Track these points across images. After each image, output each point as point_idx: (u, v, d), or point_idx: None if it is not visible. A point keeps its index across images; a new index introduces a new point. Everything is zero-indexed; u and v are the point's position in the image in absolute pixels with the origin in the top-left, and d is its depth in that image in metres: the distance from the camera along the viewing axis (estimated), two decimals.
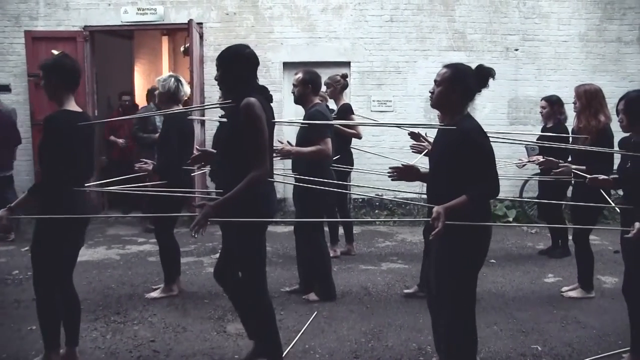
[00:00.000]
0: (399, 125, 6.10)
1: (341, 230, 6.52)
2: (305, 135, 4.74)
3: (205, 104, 7.36)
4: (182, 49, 10.99)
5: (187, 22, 8.11)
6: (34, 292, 3.52)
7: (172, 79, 4.90)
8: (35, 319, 4.34)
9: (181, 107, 5.00)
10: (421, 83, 8.40)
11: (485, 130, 3.06)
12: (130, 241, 7.17)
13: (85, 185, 3.61)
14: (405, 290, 5.11)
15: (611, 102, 8.84)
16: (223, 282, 3.65)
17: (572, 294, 5.05)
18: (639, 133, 3.62)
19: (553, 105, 6.10)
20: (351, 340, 4.12)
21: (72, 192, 3.39)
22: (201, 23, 8.50)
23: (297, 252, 5.11)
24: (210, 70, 8.52)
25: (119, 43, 9.88)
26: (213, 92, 8.52)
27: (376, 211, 8.70)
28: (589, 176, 3.90)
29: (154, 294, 5.00)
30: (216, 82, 3.40)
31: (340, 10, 8.61)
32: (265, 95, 3.35)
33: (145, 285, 5.29)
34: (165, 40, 12.59)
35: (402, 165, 3.37)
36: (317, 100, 4.86)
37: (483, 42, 8.65)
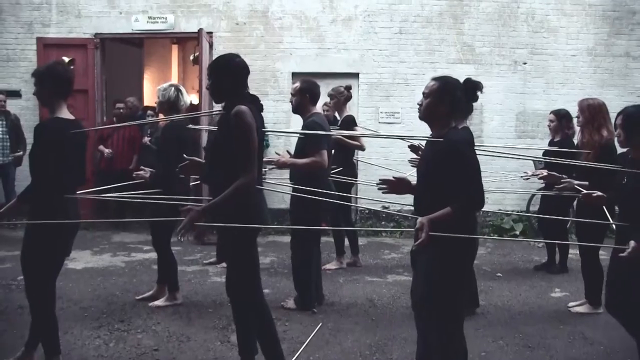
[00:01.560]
0: (386, 136, 6.11)
1: (347, 242, 6.51)
2: (301, 146, 4.78)
3: (201, 112, 7.37)
4: (191, 57, 11.05)
5: (197, 31, 8.16)
6: (27, 299, 3.55)
7: (173, 89, 4.91)
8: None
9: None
10: None
11: (474, 142, 3.05)
12: (135, 249, 7.18)
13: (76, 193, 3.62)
14: None
15: None
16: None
17: (580, 309, 5.01)
18: (636, 149, 3.57)
19: (561, 119, 6.07)
20: (356, 352, 4.10)
21: (63, 199, 3.41)
22: (211, 32, 8.55)
23: (292, 261, 5.06)
24: None
25: (129, 51, 9.96)
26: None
27: (382, 222, 8.68)
28: (584, 191, 3.86)
29: (159, 302, 5.00)
30: (207, 90, 3.45)
31: (350, 22, 8.64)
32: (256, 104, 3.40)
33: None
34: (175, 49, 12.68)
35: (393, 177, 3.36)
36: (315, 110, 4.86)
37: (491, 55, 8.66)
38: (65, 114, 3.51)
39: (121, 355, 3.98)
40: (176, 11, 8.62)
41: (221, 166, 3.28)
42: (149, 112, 8.53)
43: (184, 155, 3.85)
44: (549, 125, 6.26)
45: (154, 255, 6.71)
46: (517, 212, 8.20)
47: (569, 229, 6.88)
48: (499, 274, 6.24)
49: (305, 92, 4.78)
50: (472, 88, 3.17)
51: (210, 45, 8.53)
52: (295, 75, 8.59)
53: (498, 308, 5.13)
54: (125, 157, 8.18)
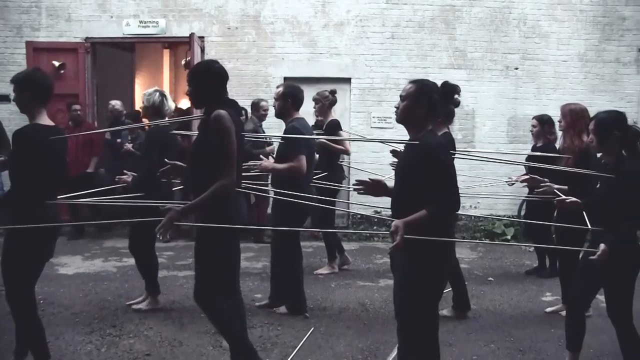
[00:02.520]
0: (364, 139, 6.10)
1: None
2: (282, 151, 4.86)
3: (184, 117, 7.34)
4: (183, 62, 11.04)
5: (188, 35, 8.14)
6: (9, 306, 3.53)
7: (157, 94, 4.93)
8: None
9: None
10: None
11: (454, 147, 3.07)
12: (127, 254, 7.06)
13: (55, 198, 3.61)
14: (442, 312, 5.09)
15: None
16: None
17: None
18: (609, 154, 3.61)
19: (544, 124, 6.10)
20: (348, 357, 4.10)
21: (43, 205, 3.42)
22: (203, 37, 8.54)
23: (271, 266, 5.11)
24: None
25: (121, 55, 9.94)
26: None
27: (374, 227, 8.68)
28: (562, 196, 3.88)
29: (141, 306, 5.02)
30: (187, 96, 3.52)
31: (342, 27, 8.66)
32: (235, 109, 3.48)
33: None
34: (166, 54, 12.66)
35: (370, 179, 3.39)
36: (298, 114, 4.89)
37: (483, 60, 8.70)
38: (44, 120, 3.51)
39: None
40: (168, 15, 8.60)
41: (202, 169, 3.33)
42: (124, 118, 8.28)
43: (166, 160, 3.86)
44: (531, 131, 6.31)
45: None
46: (508, 217, 8.24)
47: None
48: (490, 279, 6.26)
49: (288, 96, 4.82)
50: (449, 91, 3.20)
51: (202, 50, 8.52)
52: (287, 80, 8.59)
53: (489, 312, 5.15)
54: (81, 162, 7.93)
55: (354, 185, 3.40)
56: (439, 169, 2.93)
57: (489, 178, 6.80)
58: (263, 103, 7.46)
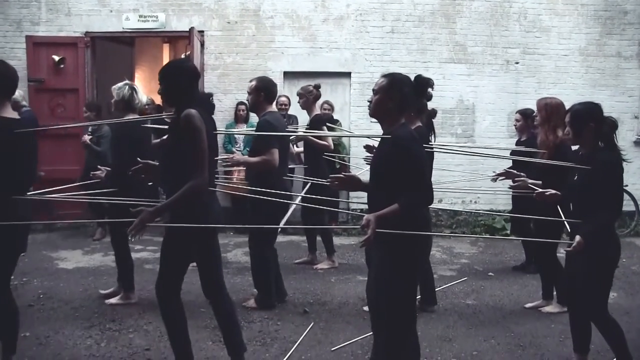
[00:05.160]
0: (339, 135, 6.07)
1: (314, 239, 6.50)
2: (254, 144, 4.88)
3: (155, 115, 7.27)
4: (183, 56, 11.00)
5: (188, 30, 8.12)
6: None
7: (127, 87, 4.93)
8: (28, 327, 4.35)
9: (137, 115, 5.01)
10: None
11: (430, 140, 3.05)
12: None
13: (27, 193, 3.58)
14: None
15: (611, 116, 8.89)
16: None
17: (549, 309, 5.01)
18: (584, 146, 3.61)
19: (527, 118, 6.06)
20: (347, 351, 4.10)
21: (13, 199, 3.37)
22: (202, 31, 8.51)
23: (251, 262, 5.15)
24: (211, 78, 8.54)
25: (120, 49, 9.90)
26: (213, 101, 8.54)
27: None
28: (538, 189, 3.86)
29: (113, 300, 5.04)
30: (158, 94, 3.51)
31: (342, 21, 8.63)
32: (205, 107, 3.49)
33: (141, 293, 5.24)
34: (166, 48, 12.62)
35: (344, 174, 3.41)
36: (271, 108, 4.88)
37: (484, 54, 8.67)
38: (9, 112, 3.43)
39: (113, 355, 3.97)
40: (167, 10, 8.58)
41: (174, 169, 3.34)
42: (85, 109, 7.69)
43: (138, 159, 3.82)
44: (515, 125, 6.29)
45: (144, 255, 6.73)
46: (494, 211, 8.24)
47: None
48: (490, 273, 6.25)
49: (261, 90, 4.80)
50: (422, 85, 3.18)
51: (202, 44, 8.49)
52: (287, 74, 8.59)
53: (490, 307, 5.14)
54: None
55: (328, 180, 3.43)
56: (411, 163, 2.92)
57: (481, 174, 6.81)
58: None
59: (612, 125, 3.53)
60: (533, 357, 4.06)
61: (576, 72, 8.72)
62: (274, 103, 5.01)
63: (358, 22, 8.63)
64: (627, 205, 8.37)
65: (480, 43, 8.67)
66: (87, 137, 7.32)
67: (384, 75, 3.12)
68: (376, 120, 3.16)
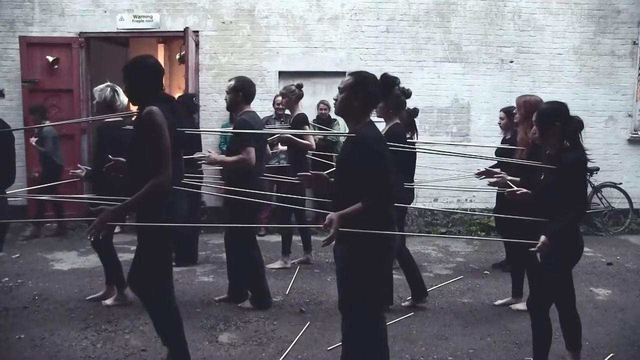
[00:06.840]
0: (323, 134, 6.07)
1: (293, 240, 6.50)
2: (231, 143, 4.91)
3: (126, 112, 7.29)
4: (177, 56, 10.99)
5: (183, 30, 8.11)
6: None
7: (108, 89, 4.94)
8: (23, 328, 4.34)
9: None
10: (416, 94, 8.34)
11: (403, 138, 3.05)
12: (122, 249, 7.07)
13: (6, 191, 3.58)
14: (403, 303, 5.10)
15: (605, 114, 8.92)
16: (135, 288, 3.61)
17: (519, 306, 5.01)
18: (551, 145, 3.61)
19: (511, 116, 6.08)
20: None
21: None
22: (197, 31, 8.50)
23: (227, 261, 5.16)
24: (206, 78, 8.53)
25: (115, 50, 9.86)
26: (208, 101, 8.54)
27: None
28: (514, 188, 3.87)
29: (109, 301, 5.03)
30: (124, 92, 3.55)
31: (337, 21, 8.63)
32: (170, 105, 3.45)
33: None
34: (161, 48, 12.59)
35: (311, 173, 3.42)
36: (248, 108, 4.88)
37: (478, 53, 8.69)
38: None
39: (109, 356, 3.96)
40: (162, 10, 8.56)
41: (138, 166, 3.32)
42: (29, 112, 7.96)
43: (109, 156, 3.83)
44: (499, 123, 6.30)
45: None
46: (488, 210, 8.24)
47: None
48: (486, 272, 6.27)
49: (239, 90, 4.81)
50: (388, 83, 3.19)
51: (197, 44, 8.48)
52: (282, 74, 8.58)
53: (485, 305, 5.16)
54: None
55: (296, 179, 3.45)
56: (375, 161, 2.91)
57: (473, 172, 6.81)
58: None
59: (577, 125, 3.53)
60: (529, 354, 4.06)
61: (570, 71, 8.75)
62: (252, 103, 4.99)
63: (353, 22, 8.64)
64: (622, 204, 8.42)
65: (475, 42, 8.69)
66: (33, 140, 7.55)
67: (351, 74, 3.14)
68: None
